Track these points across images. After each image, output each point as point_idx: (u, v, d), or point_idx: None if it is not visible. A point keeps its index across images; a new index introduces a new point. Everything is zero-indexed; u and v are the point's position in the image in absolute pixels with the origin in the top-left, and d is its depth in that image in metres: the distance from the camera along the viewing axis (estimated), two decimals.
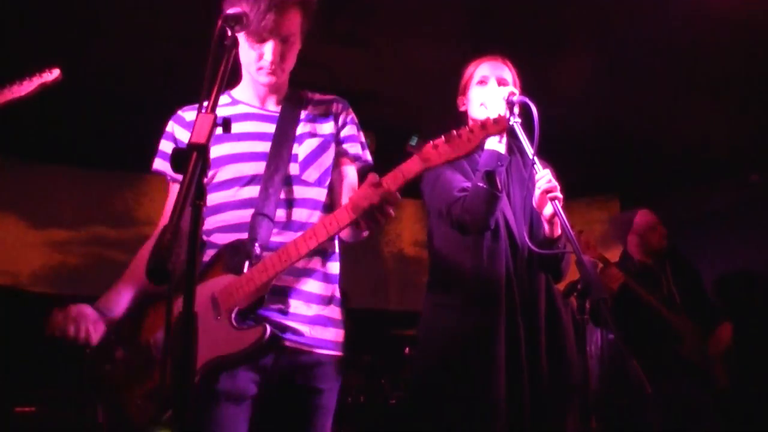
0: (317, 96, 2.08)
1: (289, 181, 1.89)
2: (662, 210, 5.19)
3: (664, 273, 3.91)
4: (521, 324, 2.19)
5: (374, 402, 4.79)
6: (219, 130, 1.86)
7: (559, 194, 2.10)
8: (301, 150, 1.93)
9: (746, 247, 5.50)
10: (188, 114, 1.98)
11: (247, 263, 1.74)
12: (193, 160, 1.26)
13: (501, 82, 2.39)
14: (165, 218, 1.95)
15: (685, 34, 4.01)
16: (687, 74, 4.51)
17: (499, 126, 1.69)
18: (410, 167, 1.70)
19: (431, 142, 1.69)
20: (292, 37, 1.88)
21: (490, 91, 2.31)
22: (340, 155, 2.03)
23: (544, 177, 2.12)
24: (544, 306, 2.26)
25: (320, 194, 1.95)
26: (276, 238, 1.82)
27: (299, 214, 1.88)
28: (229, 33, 1.57)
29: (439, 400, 2.20)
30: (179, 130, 1.96)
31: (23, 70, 2.57)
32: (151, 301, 1.87)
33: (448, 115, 2.61)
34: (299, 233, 1.83)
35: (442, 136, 1.68)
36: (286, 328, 1.79)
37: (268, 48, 1.84)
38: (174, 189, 1.98)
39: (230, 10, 1.61)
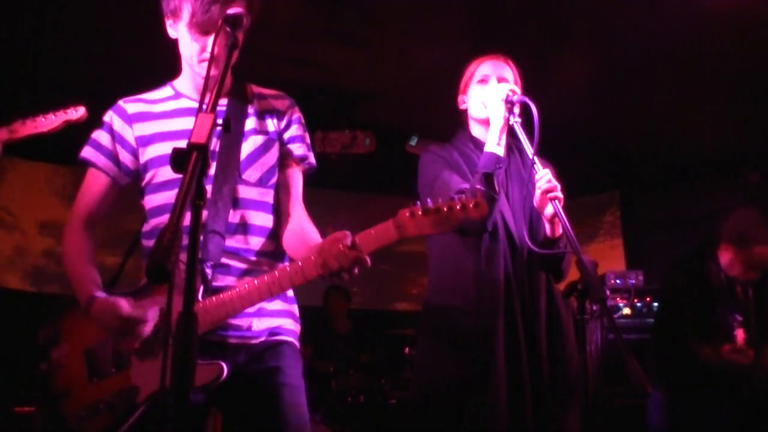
0: (264, 90, 2.01)
1: (235, 182, 1.84)
2: (662, 210, 5.21)
3: (746, 297, 3.42)
4: (521, 326, 2.19)
5: (374, 402, 4.79)
6: (161, 128, 1.83)
7: (559, 194, 2.09)
8: (245, 147, 1.87)
9: None
10: (130, 106, 1.91)
11: (201, 288, 1.71)
12: (193, 160, 1.25)
13: (502, 81, 2.38)
14: (79, 204, 1.90)
15: (685, 34, 4.01)
16: (687, 74, 4.51)
17: (480, 211, 1.66)
18: (385, 234, 1.65)
19: (408, 210, 1.65)
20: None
21: (489, 91, 2.30)
22: (285, 156, 1.96)
23: (543, 177, 2.12)
24: (545, 306, 2.26)
25: (264, 194, 1.89)
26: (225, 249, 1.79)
27: (242, 216, 1.84)
28: (230, 33, 1.56)
29: (440, 402, 2.20)
30: (118, 122, 1.89)
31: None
32: (73, 305, 1.82)
33: (448, 114, 2.61)
34: (244, 236, 1.82)
35: (420, 206, 1.65)
36: (228, 326, 1.76)
37: (211, 41, 1.73)
38: (92, 175, 1.91)
39: (230, 11, 1.60)
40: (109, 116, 1.92)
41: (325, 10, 3.92)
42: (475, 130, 2.47)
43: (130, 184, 1.93)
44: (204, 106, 1.38)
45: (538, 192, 2.13)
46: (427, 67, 4.43)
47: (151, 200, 1.87)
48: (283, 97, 2.01)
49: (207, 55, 1.77)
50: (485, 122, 2.40)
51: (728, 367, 3.23)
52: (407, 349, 4.94)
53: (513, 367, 2.14)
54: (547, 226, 2.22)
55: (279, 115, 1.96)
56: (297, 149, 1.96)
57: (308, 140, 2.01)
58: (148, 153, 1.86)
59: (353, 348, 5.21)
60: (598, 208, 6.80)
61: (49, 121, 2.49)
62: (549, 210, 2.14)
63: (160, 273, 1.15)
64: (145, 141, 1.87)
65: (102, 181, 1.90)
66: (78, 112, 2.54)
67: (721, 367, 3.24)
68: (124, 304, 1.72)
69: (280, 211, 1.93)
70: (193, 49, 1.80)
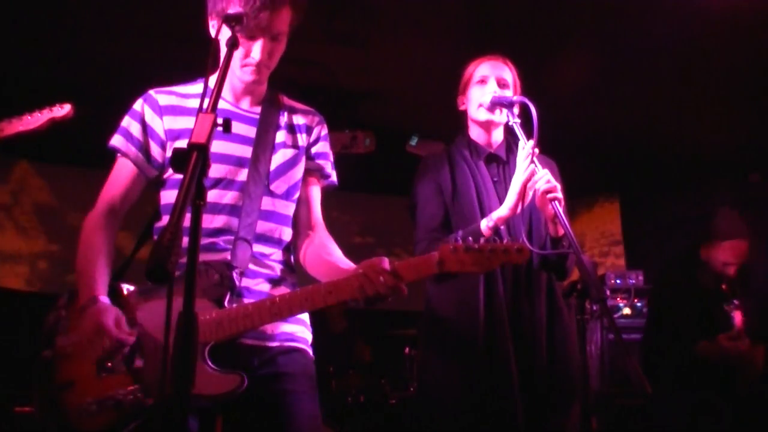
0: (294, 103, 2.03)
1: (263, 193, 1.85)
2: (662, 210, 5.19)
3: (734, 293, 3.57)
4: (508, 330, 2.18)
5: (374, 402, 4.78)
6: (192, 124, 1.81)
7: (559, 194, 2.09)
8: (274, 159, 1.89)
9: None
10: (162, 98, 1.88)
11: (228, 296, 1.71)
12: (193, 159, 1.26)
13: (500, 82, 2.39)
14: (105, 193, 1.87)
15: (685, 34, 4.02)
16: (687, 74, 4.51)
17: (523, 256, 1.70)
18: (426, 266, 1.68)
19: (452, 245, 1.68)
20: (281, 36, 1.83)
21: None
22: (310, 171, 1.99)
23: (542, 178, 2.11)
24: (545, 307, 2.25)
25: (287, 207, 1.91)
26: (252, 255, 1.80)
27: (266, 226, 1.85)
28: (230, 32, 1.57)
29: (438, 406, 2.22)
30: (149, 112, 1.86)
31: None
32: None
33: (448, 115, 2.61)
34: (266, 245, 1.84)
35: (462, 243, 1.68)
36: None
37: (257, 46, 1.78)
38: (122, 164, 1.87)
39: (230, 10, 1.60)
40: (140, 105, 1.88)
41: (325, 10, 3.92)
42: (474, 132, 2.47)
43: (156, 177, 1.90)
44: (205, 106, 1.38)
45: (538, 193, 2.13)
46: (427, 67, 4.43)
47: (169, 196, 1.87)
48: (313, 113, 2.04)
49: (251, 60, 1.79)
50: (484, 124, 2.40)
51: (726, 358, 3.30)
52: (407, 349, 4.94)
53: (501, 371, 2.14)
54: (550, 226, 2.22)
55: (308, 130, 1.99)
56: (325, 166, 2.01)
57: (332, 158, 2.05)
58: None
59: (350, 346, 5.21)
60: (598, 209, 6.80)
61: (36, 119, 2.50)
62: (549, 210, 2.14)
63: (161, 273, 1.14)
64: (175, 135, 1.85)
65: (131, 171, 1.86)
66: (63, 110, 2.54)
67: (720, 359, 3.31)
68: (111, 326, 1.65)
69: (298, 225, 1.96)
70: (237, 53, 1.78)
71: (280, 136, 1.93)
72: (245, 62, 1.80)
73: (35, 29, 4.09)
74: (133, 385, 1.67)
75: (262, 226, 1.84)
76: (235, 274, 1.74)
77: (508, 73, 2.43)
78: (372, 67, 4.62)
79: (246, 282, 1.79)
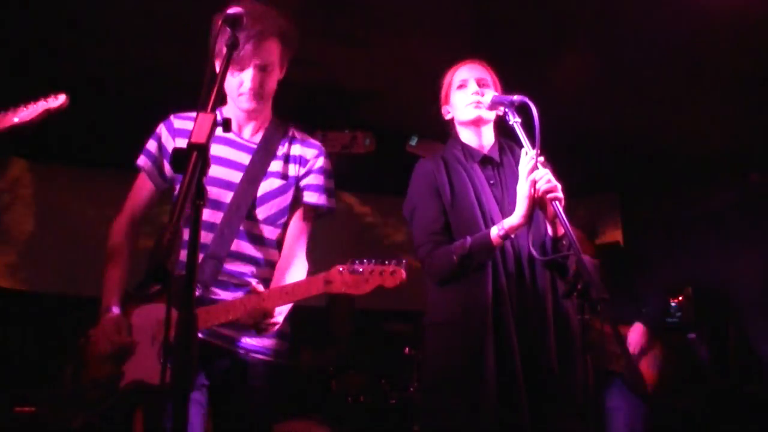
0: (299, 135, 2.17)
1: (245, 216, 2.01)
2: (662, 210, 5.18)
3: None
4: (514, 333, 2.16)
5: (374, 402, 4.78)
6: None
7: (559, 194, 2.08)
8: (263, 186, 2.04)
9: (746, 247, 5.50)
10: (177, 121, 2.13)
11: None
12: (193, 160, 1.26)
13: (480, 82, 2.40)
14: (127, 204, 2.13)
15: (685, 34, 4.01)
16: (687, 74, 4.50)
17: (395, 280, 1.80)
18: (313, 286, 1.80)
19: (341, 267, 1.79)
20: (270, 66, 1.99)
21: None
22: (298, 202, 2.12)
23: (543, 177, 2.10)
24: (552, 306, 2.24)
25: (269, 231, 2.05)
26: (223, 271, 1.97)
27: (246, 246, 2.01)
28: (229, 33, 1.58)
29: (437, 411, 2.22)
30: (165, 133, 2.12)
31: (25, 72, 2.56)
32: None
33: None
34: (244, 263, 1.99)
35: (349, 266, 1.79)
36: (219, 335, 1.92)
37: (248, 75, 1.97)
38: (141, 180, 2.15)
39: (230, 11, 1.61)
40: (160, 128, 2.15)
41: (325, 10, 3.92)
42: (465, 135, 2.47)
43: (167, 190, 2.15)
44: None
45: (539, 192, 2.12)
46: (427, 67, 4.40)
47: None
48: (313, 146, 2.18)
49: (244, 89, 1.99)
50: (474, 123, 2.41)
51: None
52: (407, 349, 4.94)
53: (506, 375, 2.13)
54: (549, 226, 2.22)
55: (303, 162, 2.13)
56: (309, 197, 2.12)
57: (329, 186, 2.17)
58: None
59: (354, 348, 5.21)
60: (598, 208, 6.79)
61: (31, 111, 2.49)
62: (550, 210, 2.14)
63: (161, 272, 1.17)
64: None
65: (147, 185, 2.14)
66: (58, 100, 2.54)
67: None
68: (122, 332, 1.92)
69: (280, 246, 2.11)
70: (232, 84, 2.00)
71: (275, 165, 2.07)
72: (240, 91, 2.00)
73: (33, 21, 4.09)
74: (114, 370, 1.89)
75: (240, 246, 1.99)
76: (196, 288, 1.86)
77: (486, 73, 2.44)
78: (372, 67, 4.62)
79: (225, 294, 1.94)
